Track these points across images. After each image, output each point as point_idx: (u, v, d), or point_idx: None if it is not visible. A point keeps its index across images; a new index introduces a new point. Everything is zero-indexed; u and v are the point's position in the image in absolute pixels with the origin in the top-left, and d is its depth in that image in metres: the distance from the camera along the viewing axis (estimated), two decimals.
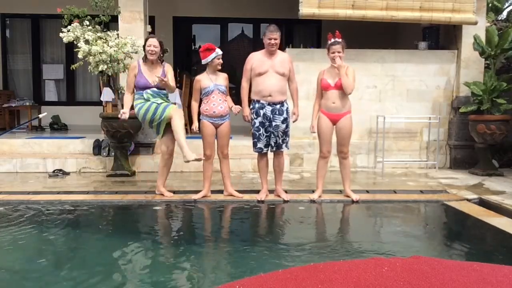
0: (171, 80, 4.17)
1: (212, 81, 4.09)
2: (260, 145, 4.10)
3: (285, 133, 4.13)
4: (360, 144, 6.08)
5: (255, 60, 4.06)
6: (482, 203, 4.16)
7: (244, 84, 4.12)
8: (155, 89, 4.11)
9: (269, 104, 4.01)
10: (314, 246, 3.06)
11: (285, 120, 4.07)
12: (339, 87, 4.03)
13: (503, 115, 5.57)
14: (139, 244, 3.01)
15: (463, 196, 4.35)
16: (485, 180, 5.20)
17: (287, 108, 4.12)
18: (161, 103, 4.10)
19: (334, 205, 4.19)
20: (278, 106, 4.03)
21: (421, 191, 4.57)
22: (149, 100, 4.08)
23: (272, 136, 4.06)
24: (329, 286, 2.02)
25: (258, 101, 4.04)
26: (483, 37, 5.81)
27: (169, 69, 4.28)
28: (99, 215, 3.89)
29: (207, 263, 2.72)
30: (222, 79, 4.15)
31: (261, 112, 4.02)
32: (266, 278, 2.16)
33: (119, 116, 4.15)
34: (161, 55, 4.24)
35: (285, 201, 4.13)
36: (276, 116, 4.02)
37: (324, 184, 4.35)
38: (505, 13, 7.29)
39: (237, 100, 4.25)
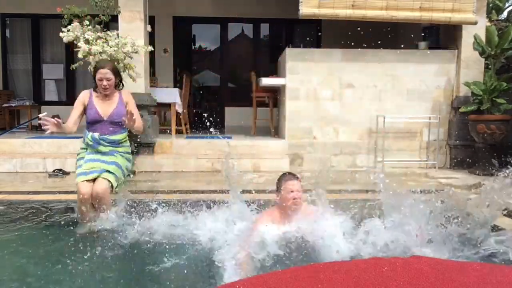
0: (133, 110, 3.34)
1: None
2: None
3: None
4: (360, 144, 6.08)
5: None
6: None
7: None
8: (96, 135, 3.29)
9: None
10: (314, 246, 3.05)
11: None
12: None
13: (503, 115, 5.57)
14: (139, 244, 3.00)
15: None
16: (485, 180, 5.19)
17: None
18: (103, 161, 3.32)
19: (334, 205, 4.17)
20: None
21: (421, 191, 4.56)
22: (87, 149, 3.37)
23: None
24: (329, 286, 2.02)
25: None
26: (483, 37, 5.81)
27: (129, 97, 3.47)
28: None
29: (207, 263, 2.72)
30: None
31: None
32: (266, 278, 2.16)
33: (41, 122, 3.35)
34: (118, 83, 3.42)
35: None
36: None
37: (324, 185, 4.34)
38: (505, 13, 7.28)
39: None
